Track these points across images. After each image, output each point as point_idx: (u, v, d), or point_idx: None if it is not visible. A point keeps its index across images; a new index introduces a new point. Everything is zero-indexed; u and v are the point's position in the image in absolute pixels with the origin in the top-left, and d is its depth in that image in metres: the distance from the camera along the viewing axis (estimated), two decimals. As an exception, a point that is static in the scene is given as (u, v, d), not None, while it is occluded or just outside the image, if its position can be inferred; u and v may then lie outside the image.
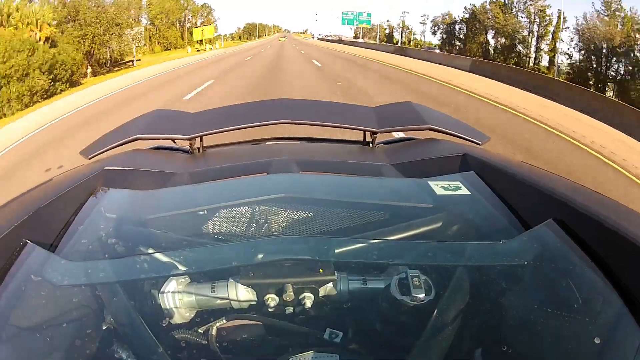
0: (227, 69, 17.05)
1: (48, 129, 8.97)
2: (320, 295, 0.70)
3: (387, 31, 36.47)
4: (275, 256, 0.73)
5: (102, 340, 0.63)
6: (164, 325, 0.67)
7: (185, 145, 1.30)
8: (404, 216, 0.89)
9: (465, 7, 27.86)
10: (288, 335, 0.69)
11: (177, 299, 0.69)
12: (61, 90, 15.76)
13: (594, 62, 20.01)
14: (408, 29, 34.53)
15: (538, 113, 8.77)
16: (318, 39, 44.71)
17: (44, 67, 15.14)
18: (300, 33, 61.81)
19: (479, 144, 1.23)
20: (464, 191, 0.90)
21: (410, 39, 33.87)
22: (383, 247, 0.78)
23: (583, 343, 0.58)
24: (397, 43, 31.29)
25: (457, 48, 27.81)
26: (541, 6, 22.30)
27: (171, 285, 0.70)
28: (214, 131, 1.24)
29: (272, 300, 0.69)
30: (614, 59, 19.06)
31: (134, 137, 1.21)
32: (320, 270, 0.71)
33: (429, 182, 0.93)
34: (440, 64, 17.47)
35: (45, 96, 14.84)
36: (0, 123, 11.14)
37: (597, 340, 0.55)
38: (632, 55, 18.19)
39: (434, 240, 0.82)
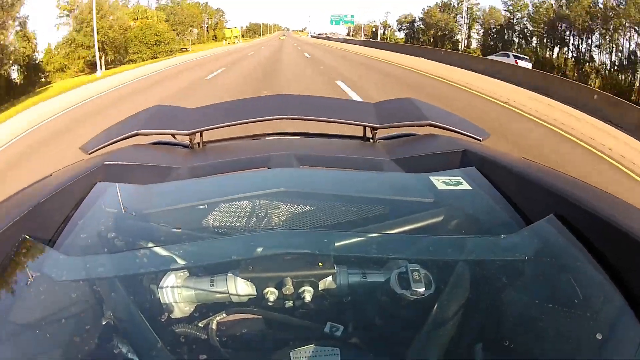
0: (250, 54, 26.07)
1: (181, 63, 21.40)
2: (319, 289, 0.70)
3: (373, 29, 43.51)
4: (274, 250, 0.73)
5: (102, 335, 0.63)
6: (164, 319, 0.67)
7: (185, 140, 1.30)
8: (404, 210, 0.89)
9: (422, 8, 37.46)
10: (288, 329, 0.69)
11: (177, 293, 0.69)
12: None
13: (490, 41, 30.78)
14: (390, 27, 41.37)
15: (445, 75, 13.77)
16: (312, 36, 53.16)
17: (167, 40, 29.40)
18: (299, 31, 68.81)
19: (479, 140, 1.23)
20: (465, 186, 0.90)
21: (390, 35, 40.42)
22: (383, 241, 0.78)
23: (584, 339, 0.58)
24: (380, 40, 38.36)
25: (418, 41, 35.87)
26: (471, 4, 32.20)
27: (170, 279, 0.70)
28: (214, 126, 1.24)
29: (271, 294, 0.69)
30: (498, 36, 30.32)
31: (134, 132, 1.21)
32: (320, 264, 0.71)
33: (430, 177, 0.93)
34: (397, 52, 23.41)
35: (170, 54, 28.58)
36: (163, 60, 25.51)
37: (599, 336, 0.55)
38: (504, 31, 29.61)
39: (435, 234, 0.82)
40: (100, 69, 22.79)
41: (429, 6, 34.62)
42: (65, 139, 7.39)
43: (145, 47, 27.53)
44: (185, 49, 32.96)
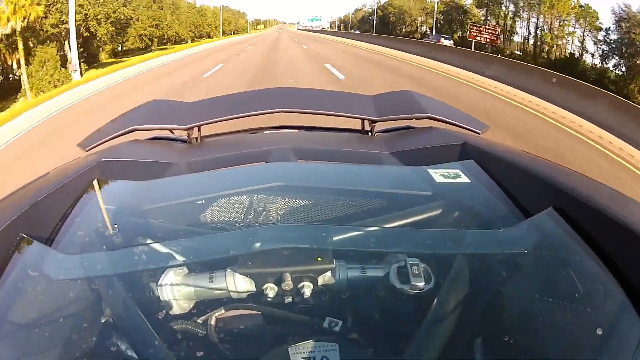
0: (261, 39, 34.32)
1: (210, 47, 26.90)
2: (319, 284, 0.70)
3: (344, 22, 53.30)
4: (273, 244, 0.72)
5: (101, 333, 0.63)
6: (163, 316, 0.67)
7: (183, 135, 1.29)
8: (403, 204, 0.88)
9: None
10: (287, 324, 0.69)
11: (176, 290, 0.69)
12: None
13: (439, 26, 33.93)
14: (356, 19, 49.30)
15: (392, 53, 18.78)
16: (297, 29, 69.53)
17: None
18: (293, 24, 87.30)
19: (478, 133, 1.22)
20: (464, 179, 0.90)
21: (356, 25, 47.70)
22: (382, 235, 0.77)
23: (585, 334, 0.58)
24: (345, 30, 48.37)
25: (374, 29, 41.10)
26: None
27: (169, 276, 0.70)
28: (211, 121, 1.23)
29: (270, 289, 0.68)
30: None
31: (131, 128, 1.20)
32: (319, 259, 0.70)
33: (428, 170, 0.92)
34: (359, 40, 28.63)
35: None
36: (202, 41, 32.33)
37: (599, 331, 0.55)
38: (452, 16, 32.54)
39: (433, 228, 0.82)
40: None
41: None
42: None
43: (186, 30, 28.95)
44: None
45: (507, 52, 25.68)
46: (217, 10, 38.78)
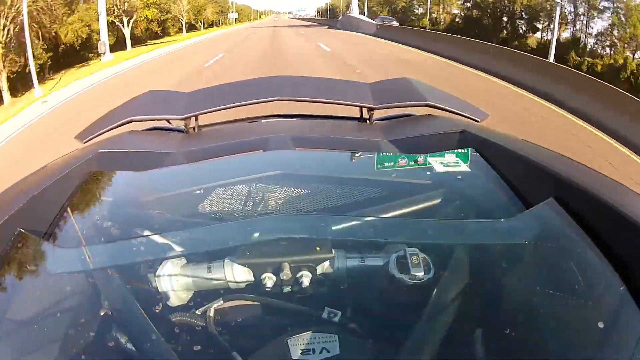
0: (263, 26, 41.62)
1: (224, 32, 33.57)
2: (317, 273, 0.70)
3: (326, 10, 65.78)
4: (271, 235, 0.72)
5: (100, 326, 0.63)
6: (161, 308, 0.66)
7: (181, 125, 1.28)
8: (401, 193, 0.88)
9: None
10: (286, 315, 0.69)
11: (174, 281, 0.69)
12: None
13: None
14: (347, 7, 55.74)
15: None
16: (289, 18, 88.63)
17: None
18: (286, 14, 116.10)
19: (477, 121, 1.21)
20: (463, 168, 0.89)
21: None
22: (381, 225, 0.77)
23: (585, 324, 0.57)
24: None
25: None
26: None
27: (167, 267, 0.69)
28: (208, 110, 1.22)
29: (269, 279, 0.68)
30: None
31: (128, 119, 1.19)
32: (318, 249, 0.70)
33: (428, 159, 0.92)
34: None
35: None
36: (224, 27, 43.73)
37: (600, 323, 0.54)
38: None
39: (433, 217, 0.81)
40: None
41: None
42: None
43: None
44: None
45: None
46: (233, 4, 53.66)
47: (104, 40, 15.92)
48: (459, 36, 13.95)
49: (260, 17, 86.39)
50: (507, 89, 8.21)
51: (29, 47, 11.34)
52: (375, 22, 23.03)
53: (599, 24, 21.39)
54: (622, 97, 6.02)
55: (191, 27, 31.62)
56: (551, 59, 13.38)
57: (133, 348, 0.59)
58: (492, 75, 9.24)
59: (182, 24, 28.74)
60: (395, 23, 26.31)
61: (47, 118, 7.80)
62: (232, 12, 53.78)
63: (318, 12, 72.10)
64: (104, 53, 15.52)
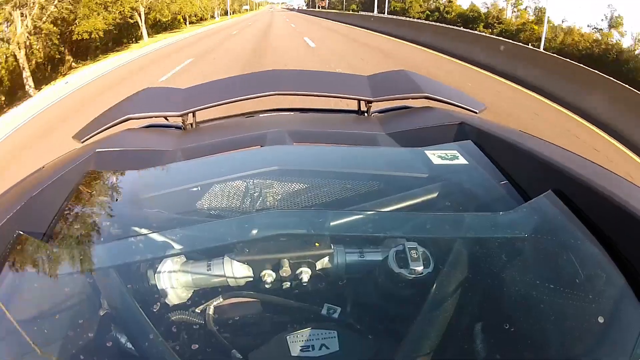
0: (261, 16, 47.41)
1: (231, 21, 39.59)
2: (317, 269, 0.70)
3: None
4: (270, 231, 0.72)
5: (100, 325, 0.63)
6: (161, 307, 0.66)
7: (178, 121, 1.27)
8: (400, 186, 0.87)
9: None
10: (286, 311, 0.69)
11: (173, 279, 0.69)
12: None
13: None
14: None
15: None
16: (282, 8, 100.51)
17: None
18: (279, 4, 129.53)
19: (475, 113, 1.20)
20: (462, 160, 0.88)
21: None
22: (379, 219, 0.77)
23: (585, 318, 0.57)
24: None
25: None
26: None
27: (166, 265, 0.69)
28: (205, 106, 1.21)
29: (268, 276, 0.68)
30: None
31: (125, 117, 1.18)
32: (317, 244, 0.70)
33: (426, 152, 0.91)
34: (318, 15, 37.18)
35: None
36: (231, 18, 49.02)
37: (600, 317, 0.54)
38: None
39: (431, 211, 0.81)
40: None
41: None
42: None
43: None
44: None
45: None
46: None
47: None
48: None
49: (258, 7, 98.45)
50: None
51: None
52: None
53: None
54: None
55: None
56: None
57: (133, 347, 0.59)
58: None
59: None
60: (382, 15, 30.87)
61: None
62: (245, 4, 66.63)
63: (308, 2, 78.39)
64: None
